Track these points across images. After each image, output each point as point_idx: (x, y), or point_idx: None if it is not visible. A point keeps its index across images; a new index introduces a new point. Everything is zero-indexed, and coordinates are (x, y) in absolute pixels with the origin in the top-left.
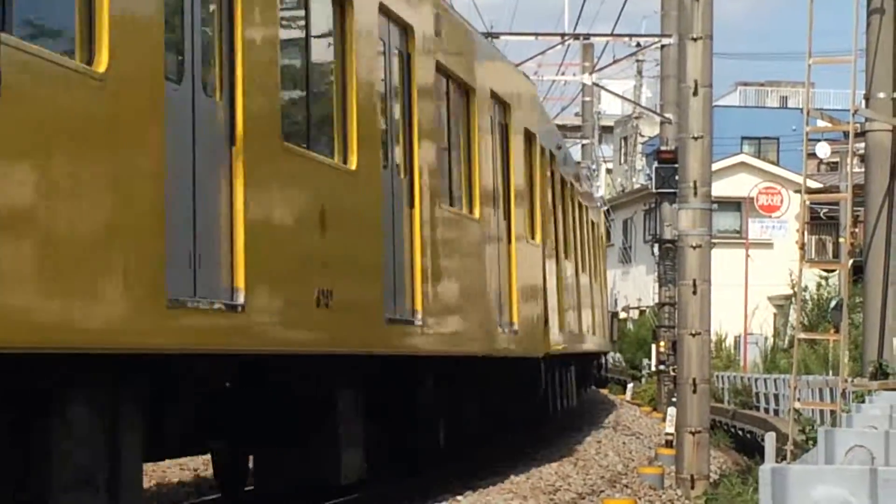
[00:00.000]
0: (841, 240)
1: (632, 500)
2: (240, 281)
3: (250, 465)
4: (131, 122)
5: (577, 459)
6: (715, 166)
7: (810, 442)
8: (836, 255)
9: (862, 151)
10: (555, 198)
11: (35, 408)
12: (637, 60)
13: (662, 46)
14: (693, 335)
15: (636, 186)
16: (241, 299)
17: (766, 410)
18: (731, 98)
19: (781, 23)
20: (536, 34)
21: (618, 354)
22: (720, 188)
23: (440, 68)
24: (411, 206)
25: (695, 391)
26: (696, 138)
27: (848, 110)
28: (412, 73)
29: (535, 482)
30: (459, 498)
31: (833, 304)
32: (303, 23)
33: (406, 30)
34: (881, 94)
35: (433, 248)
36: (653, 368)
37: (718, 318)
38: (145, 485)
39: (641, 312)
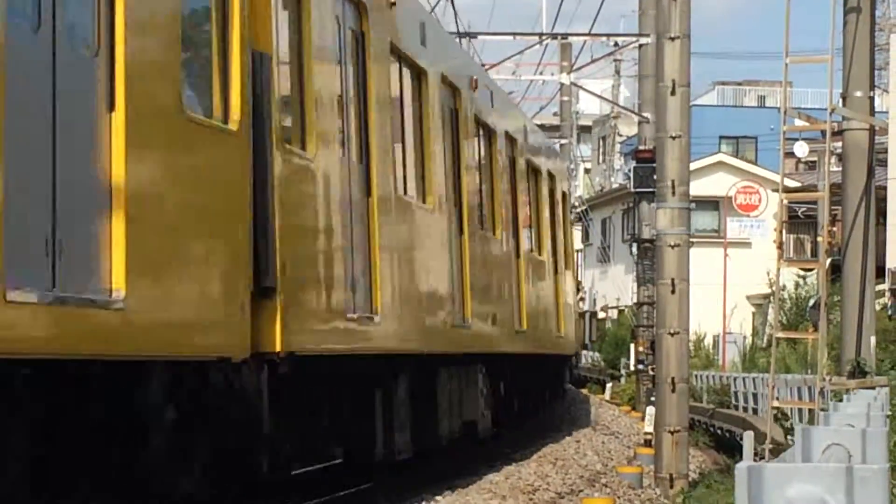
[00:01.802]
0: (819, 239)
1: (611, 500)
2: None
3: None
4: None
5: (556, 459)
6: (693, 165)
7: (788, 437)
8: (815, 253)
9: (839, 150)
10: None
11: None
12: (615, 60)
13: (640, 46)
14: (672, 334)
15: (614, 186)
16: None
17: (745, 409)
18: (708, 97)
19: (759, 22)
20: (514, 34)
21: (597, 354)
22: (698, 187)
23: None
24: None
25: (673, 390)
26: (674, 137)
27: (825, 109)
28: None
29: (514, 482)
30: (438, 498)
31: (811, 302)
32: None
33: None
34: (858, 93)
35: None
36: (632, 368)
37: (697, 318)
38: None
39: (620, 312)
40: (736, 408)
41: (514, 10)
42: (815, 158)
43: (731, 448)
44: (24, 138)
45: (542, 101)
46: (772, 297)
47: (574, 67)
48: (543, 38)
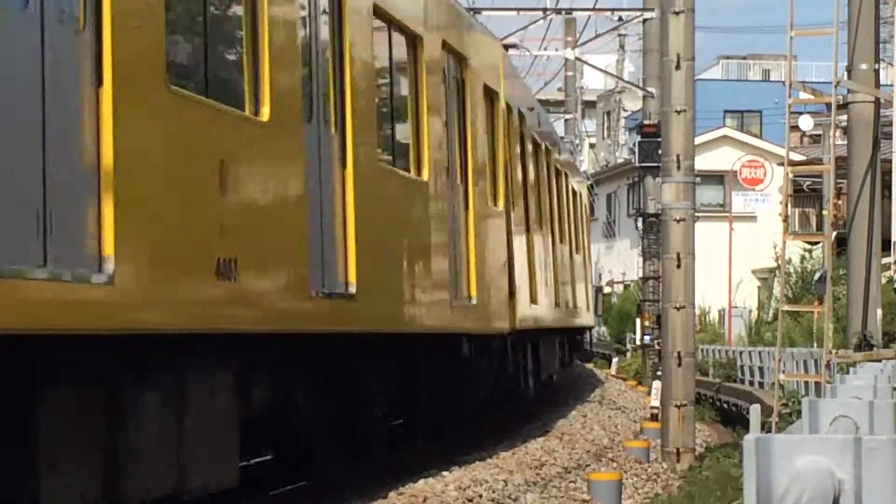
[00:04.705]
0: (824, 212)
1: (618, 474)
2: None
3: None
4: None
5: (562, 434)
6: (698, 140)
7: (794, 415)
8: (820, 227)
9: (844, 123)
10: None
11: None
12: (619, 35)
13: (645, 20)
14: (677, 309)
15: (619, 161)
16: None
17: (751, 383)
18: (713, 71)
19: None
20: (518, 9)
21: (603, 328)
22: (703, 162)
23: None
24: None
25: (679, 365)
26: (678, 112)
27: (830, 82)
28: None
29: (520, 457)
30: (445, 473)
31: (817, 276)
32: None
33: None
34: (863, 66)
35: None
36: (637, 342)
37: (703, 292)
38: None
39: (626, 287)
40: (742, 382)
41: None
42: (820, 132)
43: (737, 422)
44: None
45: (546, 76)
46: (777, 271)
47: (578, 42)
48: (548, 13)
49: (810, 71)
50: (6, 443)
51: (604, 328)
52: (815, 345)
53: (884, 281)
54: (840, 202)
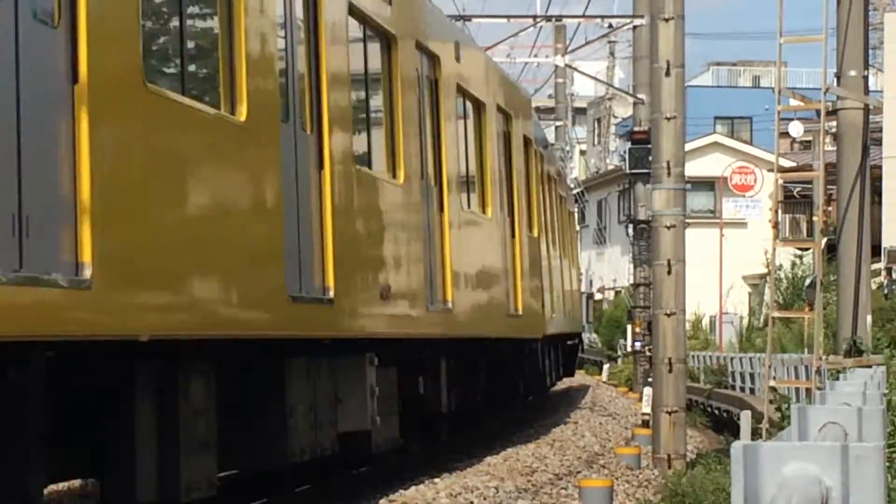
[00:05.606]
0: (814, 218)
1: (609, 481)
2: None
3: None
4: None
5: (553, 440)
6: (688, 146)
7: (785, 421)
8: (810, 233)
9: (834, 130)
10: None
11: None
12: (609, 42)
13: (634, 27)
14: (668, 315)
15: (610, 167)
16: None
17: (742, 389)
18: (703, 78)
19: (753, 2)
20: (509, 17)
21: (594, 335)
22: (694, 168)
23: None
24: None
25: (671, 371)
26: (668, 118)
27: (820, 89)
28: None
29: (511, 464)
30: (437, 480)
31: (807, 282)
32: None
33: None
34: (852, 72)
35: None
36: (628, 349)
37: (694, 298)
38: None
39: (617, 293)
40: (733, 388)
41: None
42: (810, 138)
43: (728, 428)
44: None
45: (537, 83)
46: (768, 277)
47: (569, 49)
48: (538, 20)
49: (800, 77)
50: None
51: (594, 335)
52: (805, 351)
53: (874, 287)
54: (830, 208)
